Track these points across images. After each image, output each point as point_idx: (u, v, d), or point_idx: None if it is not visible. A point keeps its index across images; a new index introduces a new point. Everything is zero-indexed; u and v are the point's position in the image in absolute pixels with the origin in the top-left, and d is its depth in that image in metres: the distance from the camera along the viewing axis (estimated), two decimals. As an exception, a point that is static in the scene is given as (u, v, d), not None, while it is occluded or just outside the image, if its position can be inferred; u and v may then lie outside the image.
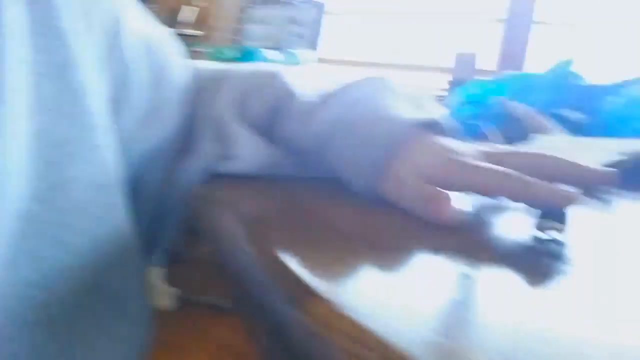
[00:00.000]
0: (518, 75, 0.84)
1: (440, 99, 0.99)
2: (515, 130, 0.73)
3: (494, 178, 0.34)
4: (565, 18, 2.32)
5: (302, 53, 1.82)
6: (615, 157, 0.50)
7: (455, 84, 2.03)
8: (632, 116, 0.72)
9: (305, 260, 0.28)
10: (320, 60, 2.34)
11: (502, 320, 0.24)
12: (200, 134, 0.45)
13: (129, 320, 0.39)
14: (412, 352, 0.19)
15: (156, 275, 1.73)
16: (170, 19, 2.33)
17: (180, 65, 0.47)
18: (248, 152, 0.42)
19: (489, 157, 0.36)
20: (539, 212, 0.34)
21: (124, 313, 0.38)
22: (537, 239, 0.33)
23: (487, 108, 0.79)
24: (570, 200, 0.32)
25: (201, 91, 0.47)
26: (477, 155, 0.36)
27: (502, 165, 0.34)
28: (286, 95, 0.43)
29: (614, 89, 0.78)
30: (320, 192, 0.40)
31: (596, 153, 0.52)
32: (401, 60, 2.58)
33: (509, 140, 0.71)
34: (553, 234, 0.33)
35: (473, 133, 0.79)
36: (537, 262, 0.30)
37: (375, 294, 0.25)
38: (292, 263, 0.27)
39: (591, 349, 0.21)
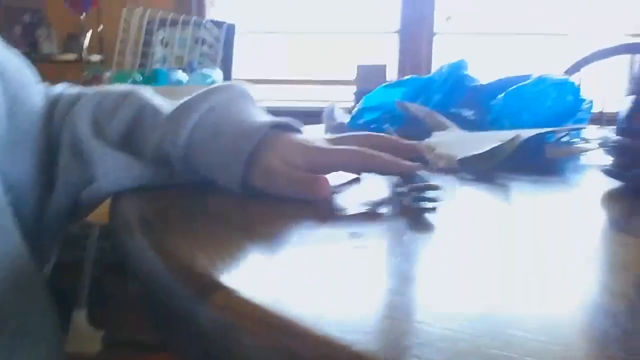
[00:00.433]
0: (414, 79, 0.88)
1: (346, 109, 1.01)
2: (416, 129, 0.76)
3: (349, 156, 0.41)
4: (468, 28, 2.49)
5: (211, 73, 1.80)
6: (497, 143, 0.54)
7: (360, 95, 2.10)
8: (517, 109, 0.78)
9: (206, 255, 0.27)
10: (235, 80, 2.33)
11: (388, 281, 0.25)
12: (62, 160, 0.45)
13: (32, 338, 0.38)
14: (317, 329, 0.20)
15: (79, 318, 1.64)
16: (68, 44, 2.22)
17: (38, 93, 0.47)
18: (110, 170, 0.43)
19: (334, 142, 0.44)
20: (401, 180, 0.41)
21: (26, 332, 0.38)
22: (410, 202, 0.39)
23: (388, 112, 0.82)
24: (413, 167, 0.41)
25: (59, 116, 0.47)
26: (327, 142, 0.44)
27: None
28: (144, 108, 0.45)
29: (503, 87, 0.84)
30: (206, 191, 0.41)
31: (483, 143, 0.55)
32: (312, 76, 2.64)
33: (412, 138, 0.74)
34: (422, 199, 0.39)
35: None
36: (411, 221, 0.35)
37: (274, 278, 0.26)
38: (195, 260, 0.27)
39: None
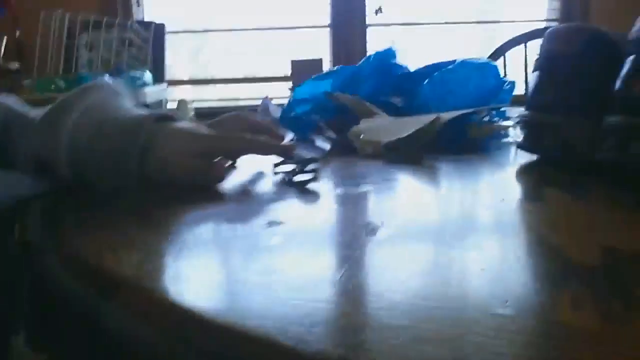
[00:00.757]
0: (343, 68, 0.88)
1: (281, 105, 1.00)
2: (346, 118, 0.77)
3: (236, 141, 0.44)
4: (399, 19, 2.54)
5: (140, 75, 1.74)
6: (421, 125, 0.55)
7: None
8: (442, 94, 0.80)
9: (107, 255, 0.26)
10: (169, 82, 2.27)
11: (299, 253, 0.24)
12: None
13: None
14: (233, 322, 0.19)
15: (18, 343, 1.54)
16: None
17: None
18: None
19: (211, 126, 0.48)
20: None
21: None
22: (294, 176, 0.43)
23: (319, 103, 0.82)
24: (290, 147, 0.46)
25: None
26: (208, 129, 0.46)
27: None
28: (12, 116, 0.43)
29: (429, 73, 0.86)
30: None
31: (407, 128, 0.56)
32: (247, 74, 2.61)
33: (343, 127, 0.74)
34: (304, 172, 0.43)
35: (309, 127, 0.81)
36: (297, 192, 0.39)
37: (181, 271, 0.25)
38: (98, 260, 0.26)
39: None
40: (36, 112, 0.43)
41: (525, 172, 0.45)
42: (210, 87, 2.68)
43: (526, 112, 0.46)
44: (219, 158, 0.44)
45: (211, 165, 0.42)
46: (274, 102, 1.15)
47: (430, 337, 0.19)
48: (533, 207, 0.36)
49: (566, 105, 0.42)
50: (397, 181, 0.43)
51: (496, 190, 0.41)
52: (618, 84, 0.37)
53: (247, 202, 0.36)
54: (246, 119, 0.52)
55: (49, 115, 0.41)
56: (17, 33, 2.15)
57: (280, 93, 2.45)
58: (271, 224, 0.31)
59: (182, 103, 2.19)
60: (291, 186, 0.41)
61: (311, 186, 0.41)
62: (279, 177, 0.45)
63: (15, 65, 2.09)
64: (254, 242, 0.28)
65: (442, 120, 0.56)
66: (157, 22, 2.15)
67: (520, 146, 0.47)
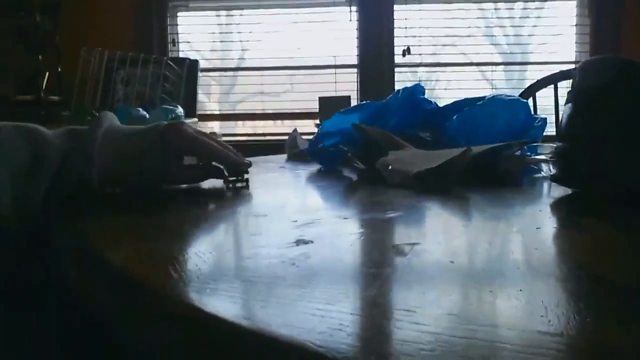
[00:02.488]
0: (371, 103, 0.89)
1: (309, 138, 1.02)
2: (373, 151, 0.77)
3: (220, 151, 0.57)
4: (426, 59, 2.57)
5: (173, 109, 1.79)
6: (451, 156, 0.55)
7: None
8: (471, 129, 0.79)
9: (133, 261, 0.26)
10: (200, 116, 2.33)
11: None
12: None
13: None
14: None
15: None
16: (26, 85, 2.18)
17: None
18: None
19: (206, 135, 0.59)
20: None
21: None
22: (230, 184, 0.56)
23: (346, 135, 0.82)
24: (247, 164, 0.58)
25: None
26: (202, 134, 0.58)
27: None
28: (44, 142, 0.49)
29: (458, 109, 0.86)
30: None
31: (437, 159, 0.56)
32: (277, 110, 2.66)
33: (371, 159, 0.74)
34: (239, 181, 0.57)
35: (337, 158, 0.82)
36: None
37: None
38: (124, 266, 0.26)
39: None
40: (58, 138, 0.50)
41: (560, 204, 0.44)
42: (240, 122, 2.74)
43: (559, 144, 0.46)
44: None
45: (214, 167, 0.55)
46: (298, 133, 1.17)
47: (462, 354, 0.18)
48: (571, 235, 0.34)
49: (600, 137, 0.41)
50: (426, 208, 0.43)
51: (530, 220, 0.40)
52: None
53: (276, 219, 0.36)
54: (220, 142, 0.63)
55: (73, 138, 0.49)
56: (59, 69, 2.26)
57: (308, 129, 2.49)
58: (299, 242, 0.30)
59: (211, 135, 2.24)
60: (229, 190, 0.54)
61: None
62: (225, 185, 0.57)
63: (55, 98, 2.19)
64: (284, 258, 0.27)
65: (473, 152, 0.56)
66: (191, 58, 2.23)
67: (555, 179, 0.46)
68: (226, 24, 2.72)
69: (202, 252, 0.31)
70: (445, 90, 2.62)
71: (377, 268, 0.27)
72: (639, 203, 0.38)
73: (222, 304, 0.23)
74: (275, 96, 2.71)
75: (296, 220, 0.37)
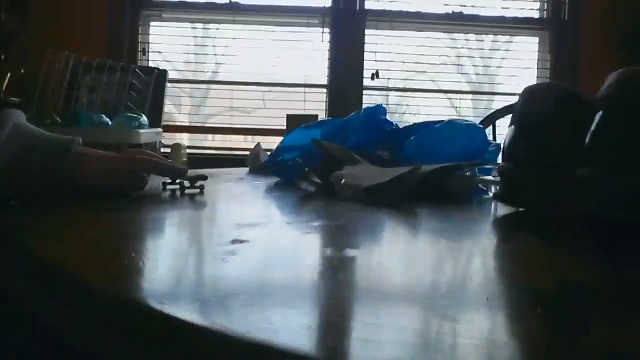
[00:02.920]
0: (332, 120, 0.90)
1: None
2: (332, 166, 0.78)
3: (142, 162, 0.58)
4: (398, 85, 2.62)
5: (136, 117, 1.77)
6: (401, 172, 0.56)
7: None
8: (428, 150, 0.81)
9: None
10: (167, 127, 2.31)
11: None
12: None
13: None
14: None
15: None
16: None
17: None
18: None
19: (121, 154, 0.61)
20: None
21: None
22: (179, 190, 0.58)
23: (305, 150, 0.83)
24: (181, 169, 0.60)
25: None
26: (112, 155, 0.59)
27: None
28: None
29: (417, 131, 0.88)
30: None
31: (388, 175, 0.57)
32: (244, 125, 2.66)
33: (328, 174, 0.75)
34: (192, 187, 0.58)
35: (295, 172, 0.82)
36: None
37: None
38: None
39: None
40: None
41: (501, 221, 0.45)
42: (209, 135, 2.72)
43: (502, 164, 0.47)
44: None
45: (137, 176, 0.56)
46: (261, 148, 1.17)
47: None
48: (503, 247, 0.35)
49: (538, 160, 0.43)
50: (371, 219, 0.43)
51: (471, 233, 0.41)
52: (587, 139, 0.38)
53: (220, 221, 0.36)
54: (149, 152, 0.64)
55: None
56: (22, 70, 2.20)
57: (275, 145, 2.49)
58: (235, 241, 0.31)
59: (176, 147, 2.22)
60: (181, 197, 0.55)
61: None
62: (168, 192, 0.58)
63: (15, 100, 2.13)
64: (219, 257, 0.27)
65: (423, 169, 0.57)
66: (160, 68, 2.21)
67: (496, 197, 0.48)
68: (201, 37, 2.72)
69: (140, 250, 0.30)
70: (414, 115, 2.67)
71: (308, 270, 0.28)
72: (571, 222, 0.40)
73: (147, 296, 0.22)
74: (245, 111, 2.71)
75: (239, 223, 0.37)
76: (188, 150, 2.29)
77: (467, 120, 0.93)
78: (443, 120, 0.92)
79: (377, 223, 0.43)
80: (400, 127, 0.95)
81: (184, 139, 2.64)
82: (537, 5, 2.69)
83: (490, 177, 0.67)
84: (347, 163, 0.75)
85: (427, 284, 0.27)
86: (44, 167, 0.50)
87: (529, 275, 0.28)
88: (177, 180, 0.62)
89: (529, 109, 0.44)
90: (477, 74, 2.77)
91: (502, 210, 0.48)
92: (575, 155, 0.41)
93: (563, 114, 0.43)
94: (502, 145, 0.46)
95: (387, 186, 0.55)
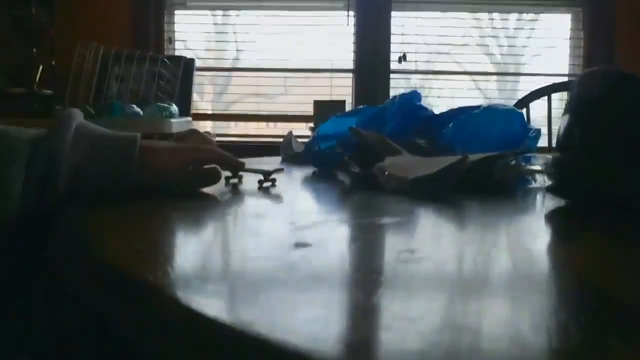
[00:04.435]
0: (368, 108, 0.89)
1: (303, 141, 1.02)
2: (369, 155, 0.77)
3: (209, 152, 0.57)
4: (424, 67, 2.58)
5: (167, 107, 1.78)
6: (447, 164, 0.55)
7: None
8: (467, 137, 0.80)
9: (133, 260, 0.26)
10: (194, 115, 2.33)
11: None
12: None
13: None
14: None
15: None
16: (18, 77, 2.16)
17: None
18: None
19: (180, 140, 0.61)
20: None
21: None
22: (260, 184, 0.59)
23: (343, 139, 0.82)
24: (241, 164, 0.59)
25: None
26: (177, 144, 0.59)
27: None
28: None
29: (454, 117, 0.86)
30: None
31: (433, 166, 0.56)
32: (270, 112, 2.66)
33: (366, 163, 0.75)
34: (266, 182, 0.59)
35: (333, 161, 0.82)
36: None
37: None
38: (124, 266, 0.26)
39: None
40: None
41: (555, 215, 0.44)
42: (232, 123, 2.74)
43: (556, 155, 0.46)
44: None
45: (212, 169, 0.55)
46: (293, 135, 1.17)
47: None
48: (567, 247, 0.35)
49: (598, 148, 0.42)
50: (422, 215, 0.43)
51: (526, 230, 0.40)
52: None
53: (277, 222, 0.36)
54: (202, 133, 0.65)
55: (50, 137, 0.48)
56: (53, 62, 2.24)
57: (301, 132, 2.49)
58: (298, 245, 0.30)
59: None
60: (260, 190, 0.56)
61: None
62: (229, 186, 0.59)
63: (48, 92, 2.17)
64: (282, 261, 0.27)
65: (469, 160, 0.56)
66: (188, 57, 2.22)
67: (550, 189, 0.47)
68: (222, 24, 2.71)
69: (198, 252, 0.30)
70: (439, 98, 2.63)
71: (375, 274, 0.27)
72: (634, 215, 0.39)
73: (215, 305, 0.22)
74: (269, 98, 2.71)
75: (294, 223, 0.37)
76: (215, 138, 2.31)
77: (505, 105, 0.91)
78: (481, 106, 0.90)
79: (429, 220, 0.42)
80: (436, 112, 0.94)
81: (207, 126, 2.65)
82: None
83: (536, 167, 0.66)
84: (386, 152, 0.74)
85: (499, 285, 0.27)
86: (113, 165, 0.49)
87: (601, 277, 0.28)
88: (239, 173, 0.62)
89: (586, 95, 0.43)
90: (502, 54, 2.71)
91: (553, 202, 0.47)
92: (636, 145, 0.40)
93: (622, 99, 0.41)
94: (550, 134, 0.45)
95: (434, 178, 0.54)
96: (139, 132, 0.53)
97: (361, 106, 0.92)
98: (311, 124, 2.27)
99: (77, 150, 0.48)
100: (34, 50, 2.15)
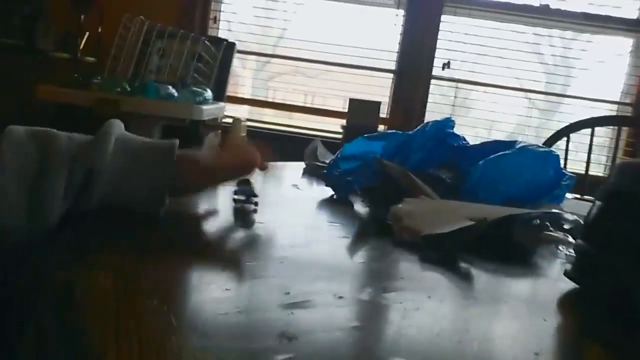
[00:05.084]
0: (396, 133, 0.86)
1: (333, 143, 1.00)
2: (390, 187, 0.75)
3: (247, 160, 0.60)
4: (464, 76, 2.51)
5: (202, 91, 1.78)
6: (465, 223, 0.52)
7: (350, 130, 2.10)
8: (494, 179, 0.77)
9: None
10: (230, 98, 2.33)
11: None
12: None
13: None
14: None
15: None
16: (64, 42, 2.19)
17: None
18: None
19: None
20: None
21: None
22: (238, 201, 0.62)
23: (365, 165, 0.80)
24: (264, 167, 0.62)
25: None
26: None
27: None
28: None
29: (486, 151, 0.83)
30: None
31: (450, 220, 0.54)
32: (305, 102, 2.64)
33: (385, 197, 0.72)
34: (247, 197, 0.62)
35: (352, 189, 0.80)
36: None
37: None
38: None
39: None
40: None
41: (567, 308, 0.42)
42: (266, 110, 2.73)
43: (580, 242, 0.43)
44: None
45: (252, 153, 0.58)
46: (322, 135, 1.15)
47: None
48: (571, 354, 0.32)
49: (625, 248, 0.39)
50: (427, 290, 0.41)
51: (531, 320, 0.38)
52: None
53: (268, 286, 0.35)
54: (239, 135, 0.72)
55: (88, 142, 0.48)
56: (99, 30, 2.27)
57: (333, 127, 2.46)
58: (282, 338, 0.29)
59: (236, 121, 2.24)
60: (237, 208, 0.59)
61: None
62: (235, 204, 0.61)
63: (91, 59, 2.20)
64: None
65: (488, 220, 0.53)
66: (229, 40, 2.21)
67: (568, 275, 0.44)
68: (267, 9, 2.69)
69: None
70: (478, 110, 2.55)
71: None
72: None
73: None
74: (306, 88, 2.68)
75: (288, 293, 0.35)
76: (247, 123, 2.31)
77: (541, 146, 0.87)
78: (515, 141, 0.86)
79: (432, 300, 0.40)
80: (468, 141, 0.90)
81: (242, 110, 2.65)
82: (638, 4, 2.47)
83: (559, 234, 0.62)
84: (408, 189, 0.72)
85: None
86: (149, 178, 0.49)
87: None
88: (235, 196, 0.62)
89: (625, 188, 0.39)
90: (549, 73, 2.61)
91: (568, 284, 0.44)
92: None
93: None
94: (588, 168, 0.42)
95: (449, 236, 0.52)
96: (170, 115, 0.54)
97: (390, 131, 0.89)
98: (343, 122, 2.24)
99: (116, 164, 0.48)
100: (82, 17, 2.18)
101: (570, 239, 0.46)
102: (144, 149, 0.51)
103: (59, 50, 2.16)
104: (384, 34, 2.52)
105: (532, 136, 2.55)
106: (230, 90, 2.39)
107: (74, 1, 2.16)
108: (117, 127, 0.51)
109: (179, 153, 0.51)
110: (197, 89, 1.76)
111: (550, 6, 2.47)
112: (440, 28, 2.46)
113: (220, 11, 2.59)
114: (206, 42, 2.05)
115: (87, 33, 2.22)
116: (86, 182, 0.46)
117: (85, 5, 2.18)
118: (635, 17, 2.48)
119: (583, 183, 1.61)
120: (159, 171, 0.49)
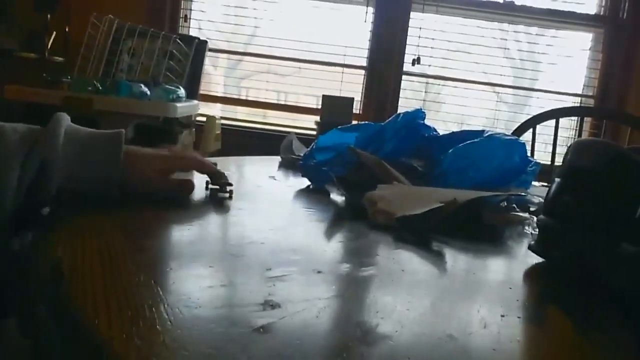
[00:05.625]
0: (369, 124, 0.89)
1: (308, 139, 1.01)
2: (364, 176, 0.77)
3: (189, 161, 0.62)
4: (437, 72, 2.56)
5: (175, 89, 1.78)
6: (436, 205, 0.55)
7: (323, 125, 2.13)
8: (464, 166, 0.80)
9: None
10: (202, 97, 2.32)
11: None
12: None
13: None
14: None
15: (4, 327, 1.55)
16: (31, 42, 2.15)
17: None
18: None
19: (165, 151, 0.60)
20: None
21: None
22: (213, 190, 0.63)
23: (340, 155, 0.82)
24: (222, 175, 0.63)
25: None
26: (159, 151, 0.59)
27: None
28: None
29: (455, 141, 0.86)
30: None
31: (423, 203, 0.56)
32: (278, 99, 2.65)
33: (359, 184, 0.75)
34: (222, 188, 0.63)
35: (326, 178, 0.82)
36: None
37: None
38: None
39: None
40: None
41: (532, 278, 0.44)
42: (239, 108, 2.73)
43: (543, 217, 0.46)
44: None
45: (186, 181, 0.58)
46: (297, 132, 1.16)
47: None
48: (531, 326, 0.35)
49: (581, 221, 0.42)
50: (401, 266, 0.43)
51: (499, 296, 0.40)
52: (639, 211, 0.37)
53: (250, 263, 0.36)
54: (194, 152, 0.68)
55: (46, 134, 0.50)
56: (67, 29, 2.23)
57: (307, 124, 2.48)
58: (266, 305, 0.31)
59: (210, 119, 2.23)
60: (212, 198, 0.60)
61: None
62: (209, 192, 0.63)
63: (59, 59, 2.16)
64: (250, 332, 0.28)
65: (458, 202, 0.56)
66: (201, 38, 2.20)
67: (532, 249, 0.47)
68: (237, 7, 2.69)
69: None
70: (448, 105, 2.61)
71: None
72: (607, 294, 0.39)
73: None
74: (279, 86, 2.69)
75: (270, 269, 0.37)
76: (221, 121, 2.31)
77: (508, 135, 0.90)
78: (483, 131, 0.89)
79: (407, 274, 0.42)
80: (439, 132, 0.93)
81: (216, 108, 2.65)
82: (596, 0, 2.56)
83: (525, 215, 0.65)
84: (381, 177, 0.74)
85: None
86: (100, 168, 0.51)
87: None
88: (209, 186, 0.63)
89: (579, 166, 0.42)
90: (515, 67, 2.68)
91: (536, 259, 0.47)
92: (621, 224, 0.40)
93: (616, 177, 0.41)
94: (554, 160, 0.45)
95: (421, 217, 0.54)
96: (144, 112, 0.55)
97: (363, 122, 0.91)
98: (317, 118, 2.26)
99: (68, 153, 0.50)
100: (49, 16, 2.14)
101: (536, 220, 0.49)
102: (93, 140, 0.53)
103: (25, 50, 2.12)
104: (354, 31, 2.55)
105: (502, 129, 2.62)
106: (203, 89, 2.38)
107: (37, 1, 2.12)
108: (66, 119, 0.53)
109: (127, 149, 0.53)
110: (170, 87, 1.75)
111: (515, 2, 2.54)
112: (409, 24, 2.51)
113: (190, 10, 2.58)
114: (178, 40, 2.04)
115: (54, 32, 2.18)
116: (40, 174, 0.48)
117: (51, 5, 2.14)
118: (593, 12, 2.57)
119: (549, 173, 1.67)
120: (107, 161, 0.51)
